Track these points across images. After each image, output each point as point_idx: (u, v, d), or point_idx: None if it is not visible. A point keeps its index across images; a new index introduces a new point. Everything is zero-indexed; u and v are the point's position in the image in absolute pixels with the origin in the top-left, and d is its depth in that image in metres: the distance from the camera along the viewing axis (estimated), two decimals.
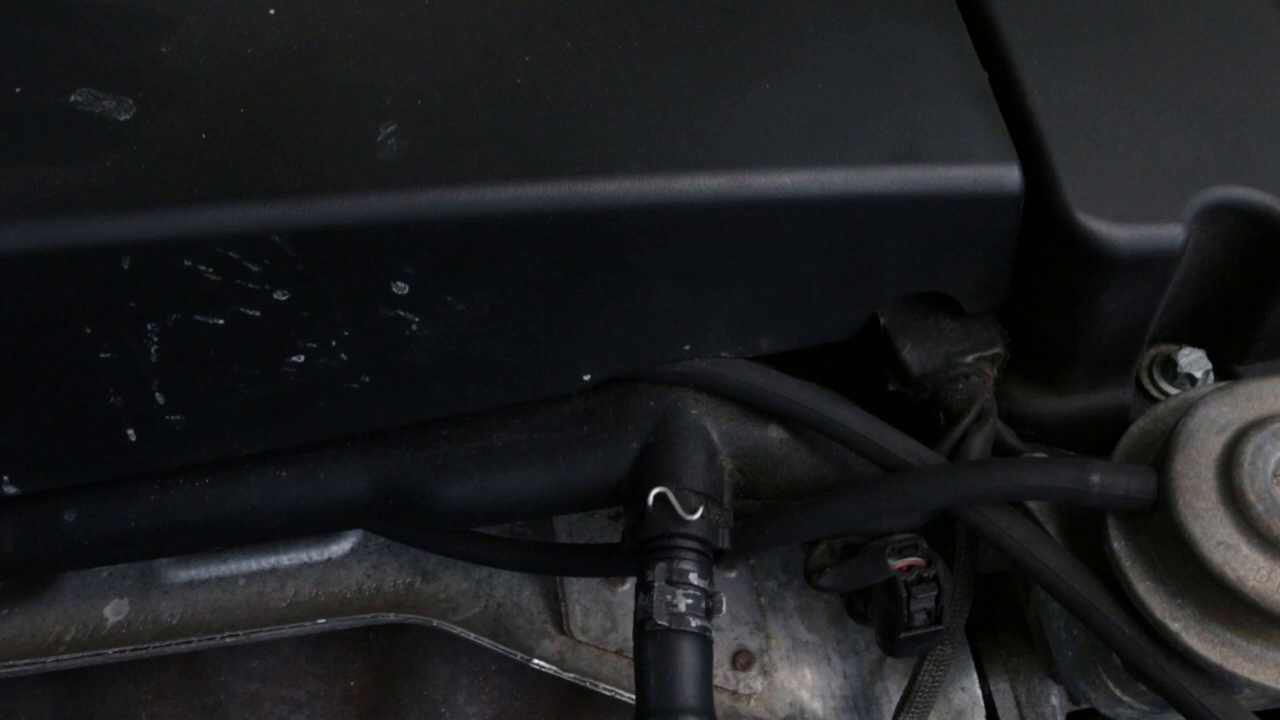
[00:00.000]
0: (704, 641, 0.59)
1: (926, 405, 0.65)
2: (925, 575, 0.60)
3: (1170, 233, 0.57)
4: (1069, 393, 0.65)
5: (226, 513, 0.68)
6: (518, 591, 0.83)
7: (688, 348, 0.63)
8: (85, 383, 0.60)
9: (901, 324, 0.65)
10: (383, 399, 0.63)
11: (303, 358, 0.60)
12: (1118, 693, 0.58)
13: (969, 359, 0.64)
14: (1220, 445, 0.52)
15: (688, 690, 0.57)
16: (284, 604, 0.83)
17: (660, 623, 0.58)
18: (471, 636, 0.78)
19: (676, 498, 0.61)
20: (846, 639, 0.82)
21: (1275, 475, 0.52)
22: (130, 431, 0.64)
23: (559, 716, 0.86)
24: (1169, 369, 0.65)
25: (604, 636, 0.81)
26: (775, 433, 0.65)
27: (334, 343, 0.60)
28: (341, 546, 0.85)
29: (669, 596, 0.59)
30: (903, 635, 0.62)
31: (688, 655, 0.58)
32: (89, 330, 0.57)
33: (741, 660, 0.80)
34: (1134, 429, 0.58)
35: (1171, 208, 0.58)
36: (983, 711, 0.77)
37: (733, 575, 0.84)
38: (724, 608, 0.60)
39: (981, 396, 0.63)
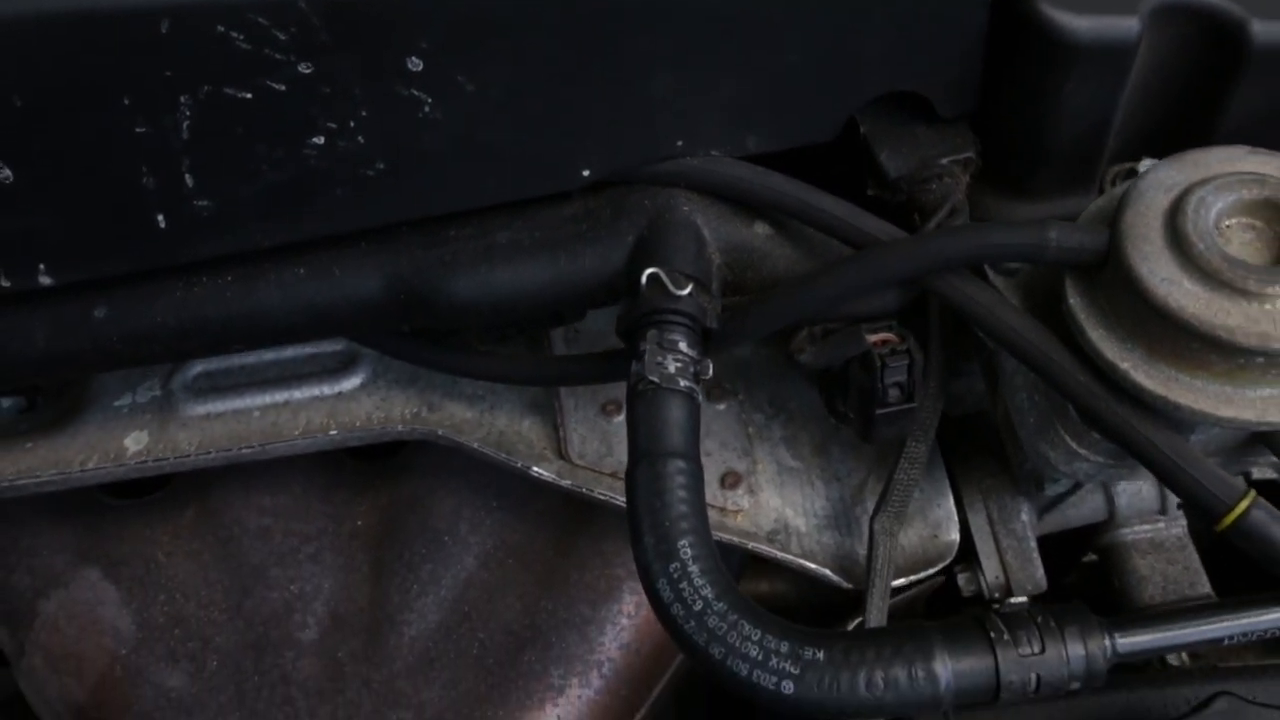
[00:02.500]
0: (692, 401, 0.63)
1: (903, 208, 0.70)
2: (898, 349, 0.65)
3: (1126, 24, 0.62)
4: (1037, 199, 0.70)
5: (248, 309, 0.73)
6: (519, 421, 0.88)
7: (680, 144, 0.68)
8: (121, 161, 0.64)
9: (880, 131, 0.70)
10: (397, 187, 0.68)
11: (323, 139, 0.65)
12: (1074, 445, 0.62)
13: (943, 161, 0.69)
14: (1168, 201, 0.57)
15: (675, 438, 0.61)
16: (297, 431, 0.88)
17: (651, 379, 0.63)
18: (474, 444, 0.83)
19: (668, 277, 0.65)
20: (829, 467, 0.87)
21: (1215, 225, 0.56)
22: (160, 217, 0.68)
23: (555, 548, 0.90)
24: (1131, 177, 0.70)
25: (599, 461, 0.85)
26: (760, 229, 0.70)
27: (352, 123, 0.64)
28: (352, 381, 0.89)
29: (659, 359, 0.63)
30: (878, 412, 0.67)
31: (676, 411, 0.63)
32: (127, 101, 0.62)
33: (729, 480, 0.84)
34: (1092, 207, 0.63)
35: (1128, 4, 0.63)
36: (957, 526, 0.82)
37: (722, 407, 0.88)
38: (710, 372, 0.64)
39: (954, 196, 0.68)
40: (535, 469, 0.82)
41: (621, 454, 0.87)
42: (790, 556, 0.80)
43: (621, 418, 0.88)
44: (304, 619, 0.89)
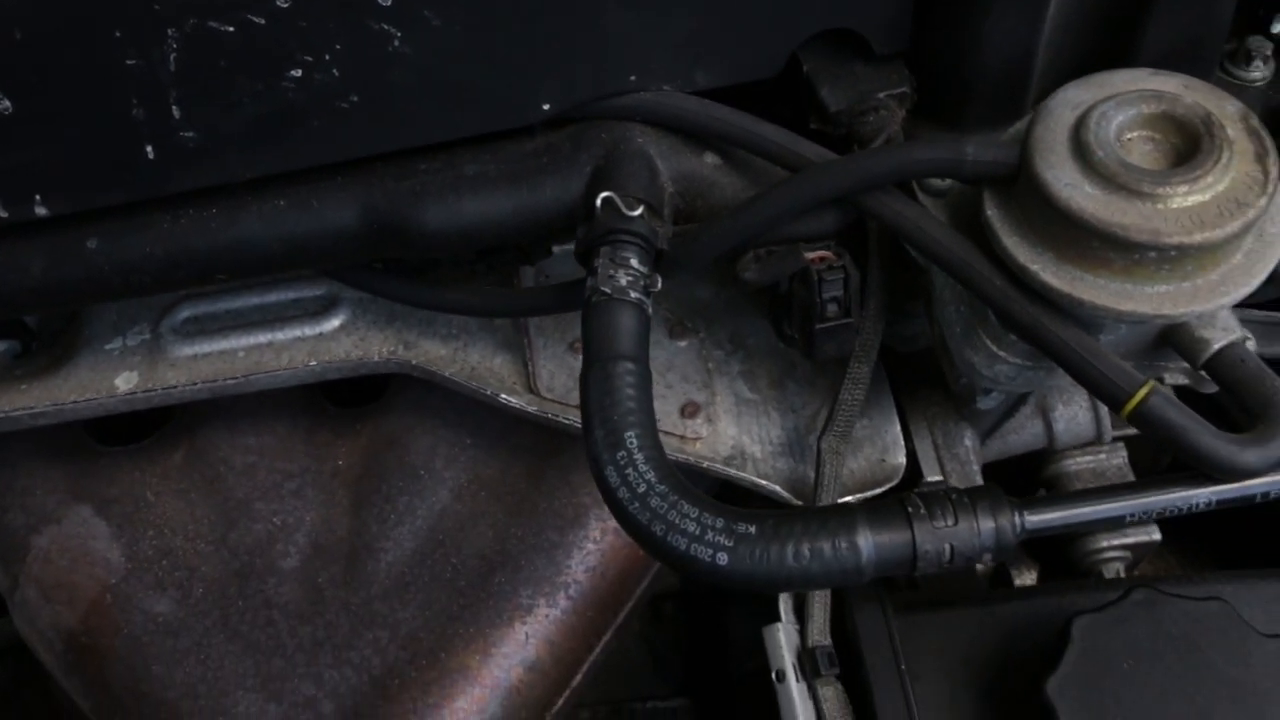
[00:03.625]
0: (641, 311, 0.68)
1: (844, 140, 0.75)
2: (834, 265, 0.70)
3: None
4: (969, 131, 0.75)
5: (231, 240, 0.78)
6: (490, 358, 0.92)
7: (633, 78, 0.73)
8: (113, 93, 0.69)
9: (821, 69, 0.75)
10: (369, 120, 0.73)
11: (300, 72, 0.70)
12: (994, 348, 0.67)
13: (879, 96, 0.74)
14: (1074, 117, 0.62)
15: (625, 343, 0.66)
16: (280, 368, 0.92)
17: (604, 290, 0.67)
18: (445, 374, 0.88)
19: (621, 200, 0.70)
20: (785, 400, 0.92)
21: (1117, 137, 0.61)
22: (149, 148, 0.73)
23: (527, 480, 0.95)
24: None
25: (567, 394, 0.90)
26: (710, 159, 0.75)
27: (327, 56, 0.69)
28: (332, 323, 0.94)
29: (611, 273, 0.68)
30: (817, 327, 0.72)
31: (626, 319, 0.67)
32: (118, 34, 0.67)
33: (689, 410, 0.89)
34: (1011, 130, 0.68)
35: None
36: (903, 450, 0.86)
37: (683, 344, 0.93)
38: (657, 282, 0.69)
39: (889, 128, 0.73)
40: (503, 396, 0.87)
41: None
42: (745, 475, 0.85)
43: None
44: (286, 548, 0.94)
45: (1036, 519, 0.60)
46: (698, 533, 0.59)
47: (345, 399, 1.04)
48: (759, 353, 0.94)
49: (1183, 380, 0.69)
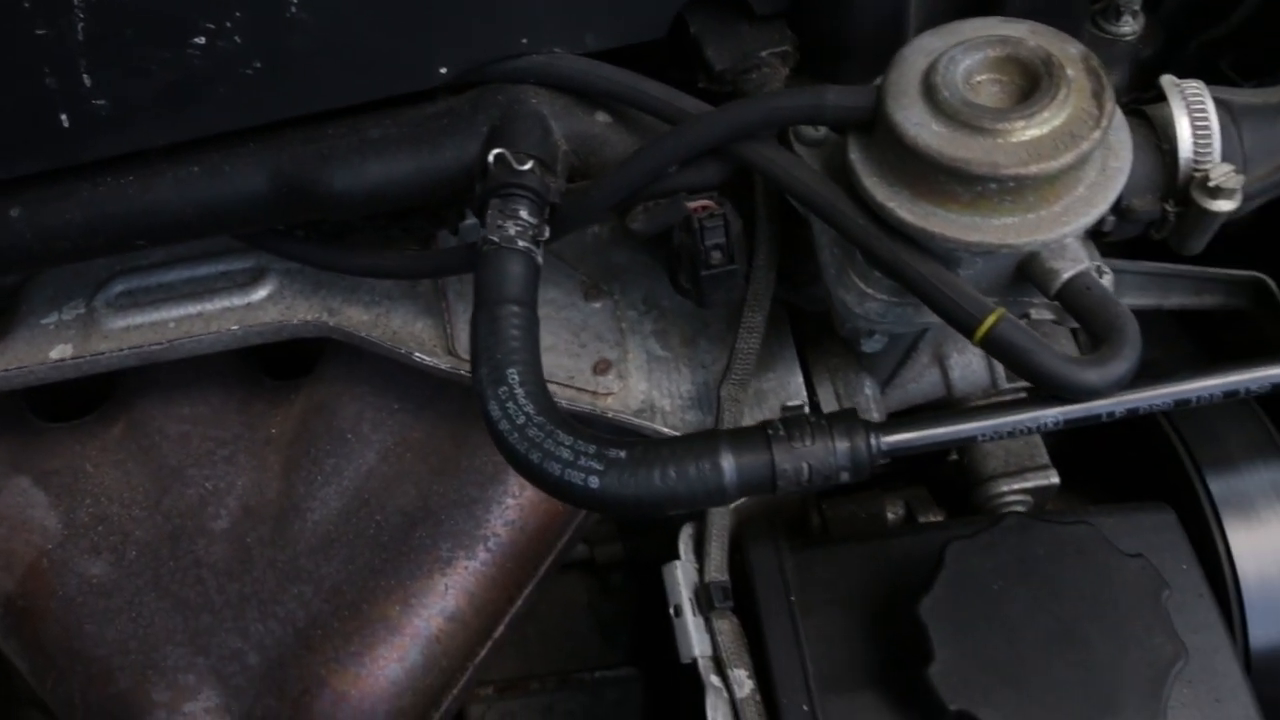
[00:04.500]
0: (530, 259, 0.72)
1: (729, 99, 0.78)
2: (715, 213, 0.73)
3: None
4: None
5: (147, 206, 0.81)
6: (412, 323, 0.95)
7: (525, 41, 0.76)
8: (25, 62, 0.73)
9: (707, 30, 0.79)
10: (273, 86, 0.76)
11: (203, 39, 0.73)
12: (863, 286, 0.70)
13: (762, 54, 0.77)
14: (926, 63, 0.65)
15: (511, 288, 0.70)
16: (209, 337, 0.95)
17: (492, 239, 0.71)
18: (362, 335, 0.91)
19: (512, 156, 0.74)
20: (696, 357, 0.95)
21: (966, 80, 0.65)
22: (64, 116, 0.76)
23: (452, 442, 0.98)
24: None
25: None
26: (601, 118, 0.78)
27: (228, 24, 0.73)
28: (259, 293, 0.97)
29: (500, 223, 0.72)
30: (703, 274, 0.75)
31: (514, 266, 0.71)
32: (26, 4, 0.70)
33: (600, 367, 0.92)
34: (876, 80, 0.71)
35: None
36: (806, 400, 0.89)
37: (598, 305, 0.96)
38: (545, 232, 0.72)
39: (772, 84, 0.76)
40: (417, 355, 0.90)
41: None
42: (653, 426, 0.88)
43: None
44: (217, 511, 0.97)
45: (891, 439, 0.63)
46: (571, 459, 0.62)
47: (282, 372, 1.07)
48: (672, 313, 0.97)
49: (1049, 316, 0.72)
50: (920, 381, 0.91)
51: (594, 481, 0.61)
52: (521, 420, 0.64)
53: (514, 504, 0.94)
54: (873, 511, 0.98)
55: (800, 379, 0.90)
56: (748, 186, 0.79)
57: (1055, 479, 0.93)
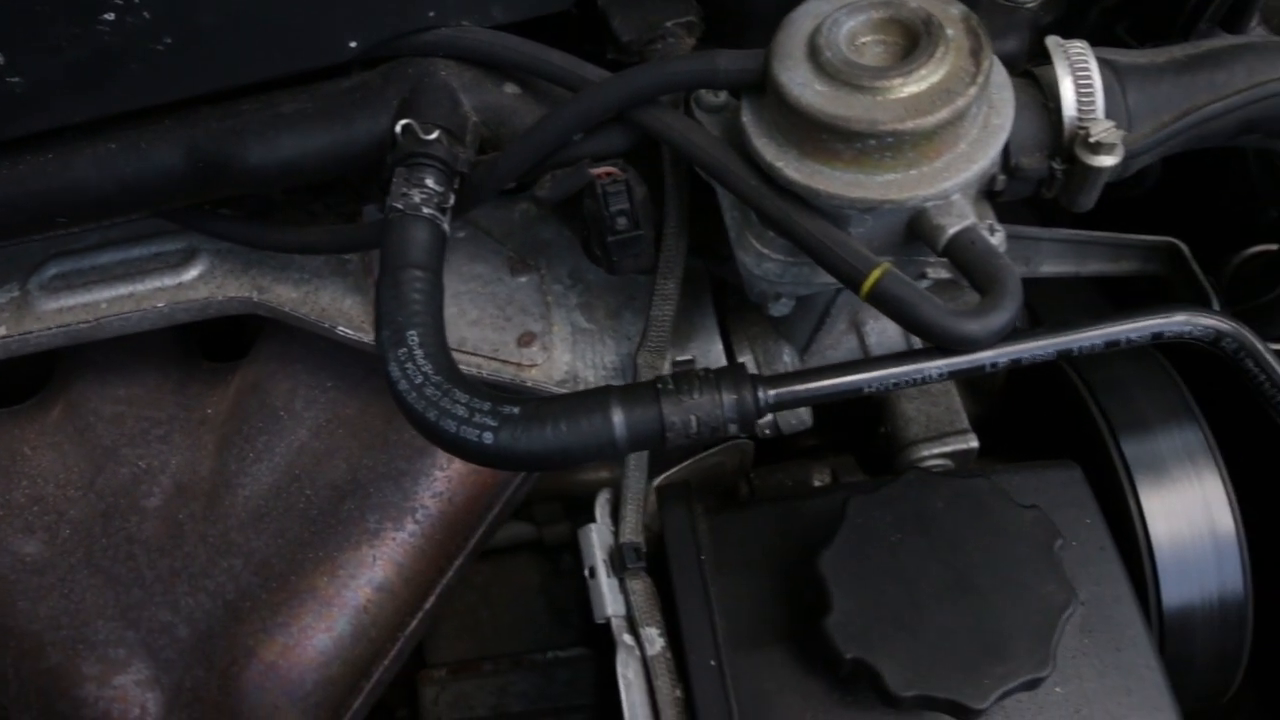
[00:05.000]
0: (434, 226, 0.73)
1: None
2: (618, 179, 0.75)
3: None
4: None
5: (67, 183, 0.82)
6: (340, 300, 0.96)
7: (432, 14, 0.78)
8: None
9: (613, 2, 0.80)
10: (185, 62, 0.78)
11: (113, 15, 0.74)
12: (759, 246, 0.72)
13: (668, 24, 0.79)
14: (812, 25, 0.67)
15: (415, 253, 0.71)
16: (136, 315, 0.96)
17: (397, 207, 0.72)
18: (286, 309, 0.92)
19: (419, 126, 0.75)
20: (620, 329, 0.97)
21: (851, 41, 0.66)
22: None
23: (384, 418, 0.99)
24: None
25: None
26: (510, 89, 0.80)
27: (137, 0, 0.74)
28: (191, 273, 0.98)
29: (405, 191, 0.73)
30: (610, 239, 0.77)
31: (418, 233, 0.72)
32: None
33: (525, 339, 0.94)
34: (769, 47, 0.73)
35: None
36: None
37: (523, 280, 0.98)
38: (451, 200, 0.74)
39: (678, 52, 0.78)
40: (340, 329, 0.91)
41: None
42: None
43: None
44: (150, 489, 0.98)
45: (777, 391, 0.65)
46: (467, 415, 0.63)
47: (223, 356, 1.08)
48: (597, 287, 0.99)
49: (944, 274, 0.73)
50: (838, 348, 0.92)
51: (488, 437, 0.63)
52: (420, 380, 0.65)
53: (441, 476, 0.95)
54: (800, 479, 0.99)
55: (720, 347, 0.92)
56: (656, 155, 0.81)
57: (974, 442, 0.95)
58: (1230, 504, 0.91)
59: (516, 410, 0.63)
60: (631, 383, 0.65)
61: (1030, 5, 0.84)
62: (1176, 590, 0.90)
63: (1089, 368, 0.98)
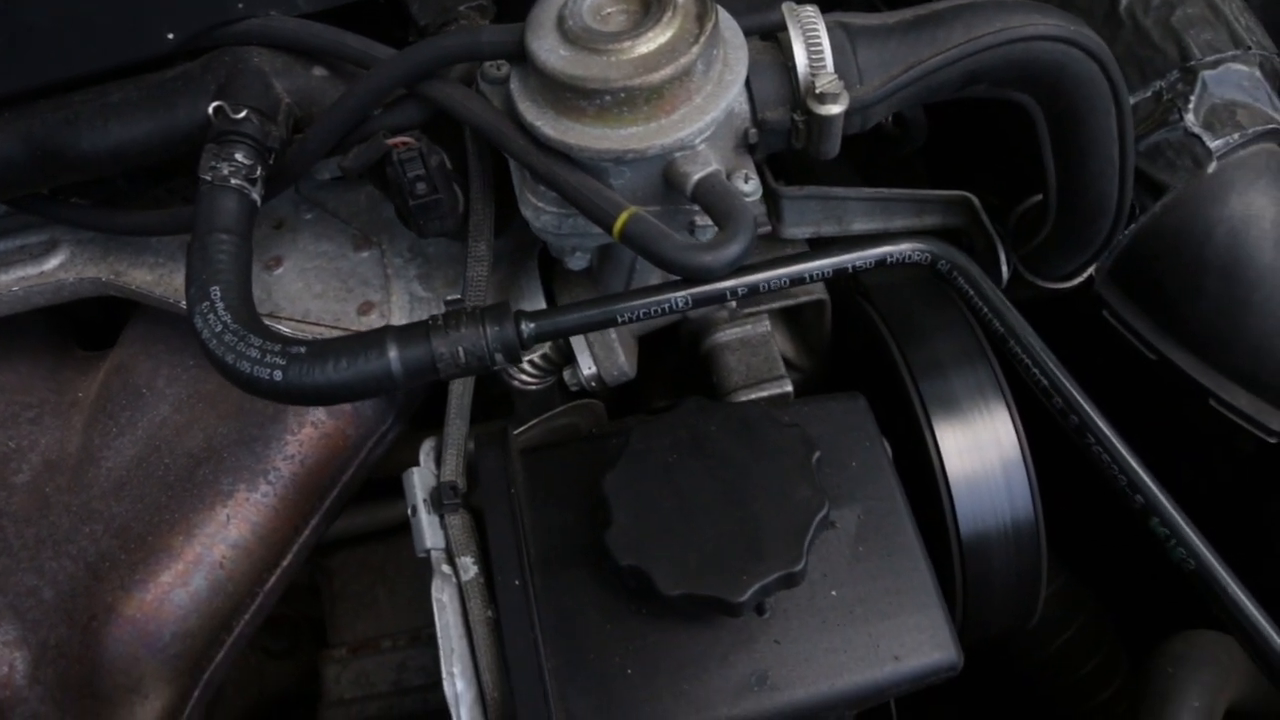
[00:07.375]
0: (242, 195, 0.80)
1: None
2: (412, 148, 0.82)
3: None
4: None
5: None
6: None
7: (241, 6, 0.85)
8: None
9: None
10: (13, 57, 0.84)
11: None
12: (535, 200, 0.79)
13: (461, 8, 0.87)
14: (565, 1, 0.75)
15: (222, 219, 0.78)
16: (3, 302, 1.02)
17: (205, 178, 0.79)
18: (134, 288, 0.98)
19: (229, 107, 0.82)
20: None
21: (597, 12, 0.74)
22: None
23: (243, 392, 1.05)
24: None
25: (259, 305, 1.00)
26: (318, 71, 0.87)
27: None
28: (52, 262, 1.04)
29: (214, 164, 0.80)
30: (411, 204, 0.84)
31: (226, 202, 0.79)
32: None
33: (364, 308, 1.01)
34: None
35: None
36: None
37: (365, 255, 1.05)
38: (260, 172, 0.81)
39: None
40: (183, 303, 0.97)
41: (280, 301, 1.03)
42: None
43: (280, 270, 1.04)
44: (19, 466, 1.03)
45: (538, 324, 0.72)
46: (259, 357, 0.70)
47: (92, 341, 1.14)
48: (437, 259, 1.06)
49: (708, 222, 0.81)
50: None
51: (278, 375, 0.70)
52: (219, 328, 0.72)
53: (293, 439, 1.02)
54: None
55: (542, 300, 0.99)
56: (457, 125, 0.88)
57: (788, 387, 1.02)
58: (1018, 435, 0.99)
59: (303, 349, 0.70)
60: (408, 325, 0.72)
61: None
62: (972, 517, 0.98)
63: (895, 318, 1.06)
